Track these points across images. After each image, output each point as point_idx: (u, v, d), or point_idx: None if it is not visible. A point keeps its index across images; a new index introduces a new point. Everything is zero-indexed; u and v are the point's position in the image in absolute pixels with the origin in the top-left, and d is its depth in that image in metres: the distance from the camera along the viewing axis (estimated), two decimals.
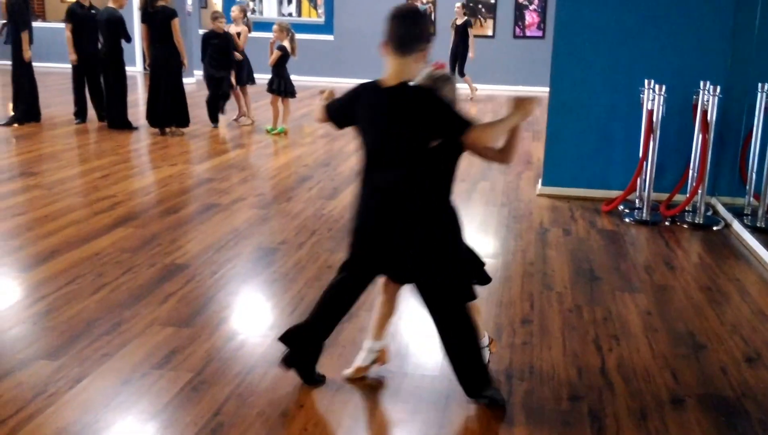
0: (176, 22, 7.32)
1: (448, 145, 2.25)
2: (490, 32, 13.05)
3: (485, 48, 12.98)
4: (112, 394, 2.41)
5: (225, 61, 7.86)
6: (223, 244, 4.05)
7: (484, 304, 3.29)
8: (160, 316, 3.04)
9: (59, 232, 4.17)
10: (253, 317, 3.21)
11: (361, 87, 2.29)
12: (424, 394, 2.50)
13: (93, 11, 7.86)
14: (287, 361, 2.49)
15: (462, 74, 11.26)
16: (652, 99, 4.72)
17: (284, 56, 7.52)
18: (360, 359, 2.58)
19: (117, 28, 7.64)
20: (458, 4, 11.34)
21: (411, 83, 2.22)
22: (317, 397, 2.46)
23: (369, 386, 2.54)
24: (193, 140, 7.39)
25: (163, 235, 4.21)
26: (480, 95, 11.82)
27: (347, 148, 7.03)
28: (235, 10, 8.57)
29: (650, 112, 4.75)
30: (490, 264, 3.86)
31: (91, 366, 2.59)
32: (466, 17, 11.26)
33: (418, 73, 2.25)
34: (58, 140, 7.14)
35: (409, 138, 2.19)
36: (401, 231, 2.28)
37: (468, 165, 6.43)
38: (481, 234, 4.47)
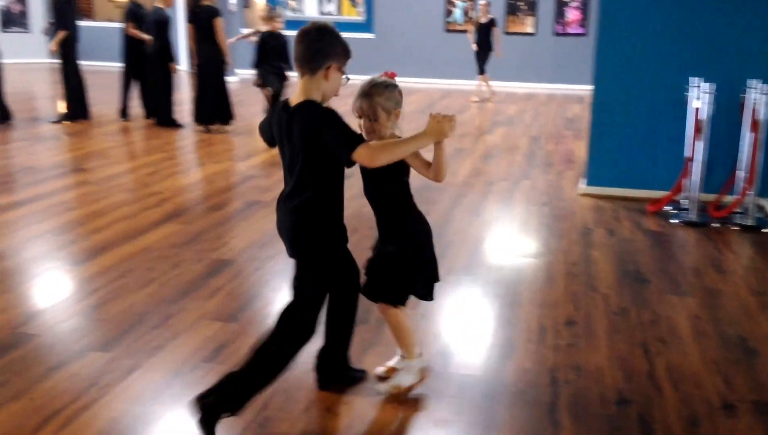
0: (219, 22, 7.43)
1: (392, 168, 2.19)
2: (530, 30, 12.89)
3: (525, 46, 12.85)
4: (163, 386, 2.47)
5: (282, 65, 7.46)
6: (267, 240, 4.11)
7: (526, 305, 3.27)
8: (207, 311, 3.11)
9: (109, 228, 4.30)
10: None
11: (280, 103, 2.24)
12: (468, 394, 2.50)
13: (143, 11, 8.07)
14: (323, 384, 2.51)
15: (482, 72, 10.98)
16: (699, 97, 4.60)
17: None
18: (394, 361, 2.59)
19: (164, 27, 7.82)
20: (482, 2, 11.08)
21: (318, 101, 2.14)
22: (363, 394, 2.48)
23: (414, 385, 2.55)
24: (238, 138, 7.51)
25: (209, 231, 4.29)
26: (518, 94, 11.71)
27: None
28: (263, 11, 8.61)
29: (697, 111, 4.64)
30: (532, 263, 3.85)
31: (143, 358, 2.66)
32: (491, 15, 11.01)
33: (333, 90, 2.19)
34: (107, 137, 7.34)
35: (304, 157, 2.11)
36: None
37: (509, 164, 6.39)
38: (522, 233, 4.43)
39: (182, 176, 5.86)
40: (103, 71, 12.54)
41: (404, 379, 2.45)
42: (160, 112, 7.94)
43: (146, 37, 7.81)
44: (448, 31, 13.14)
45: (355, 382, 2.53)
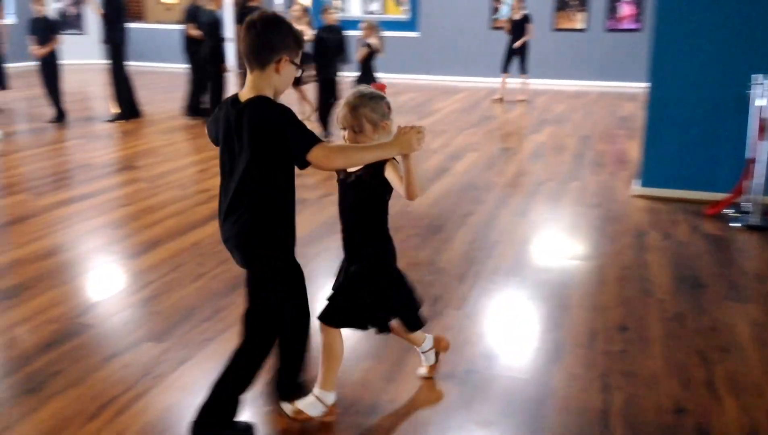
0: None
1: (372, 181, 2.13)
2: (581, 25, 12.63)
3: (575, 42, 12.59)
4: (214, 378, 2.51)
5: (338, 58, 7.19)
6: (312, 238, 4.13)
7: (575, 308, 3.20)
8: None
9: (161, 223, 4.40)
10: None
11: (228, 99, 2.08)
12: (513, 396, 2.45)
13: (201, 12, 8.25)
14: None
15: (506, 70, 10.45)
16: (763, 95, 4.41)
17: (371, 53, 7.56)
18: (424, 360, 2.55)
19: (216, 28, 7.98)
20: None
21: (270, 96, 2.01)
22: (408, 393, 2.46)
23: (458, 386, 2.52)
24: None
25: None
26: (567, 92, 11.47)
27: (432, 145, 7.01)
28: (297, 10, 8.63)
29: (760, 109, 4.44)
30: (582, 266, 3.75)
31: (194, 349, 2.71)
32: (523, 11, 10.46)
33: (286, 85, 2.05)
34: (158, 136, 7.53)
35: (252, 158, 1.96)
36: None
37: (557, 164, 6.26)
38: (571, 235, 4.33)
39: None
40: (153, 72, 12.89)
41: (311, 409, 2.25)
42: (210, 112, 8.08)
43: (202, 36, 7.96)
44: (495, 28, 12.98)
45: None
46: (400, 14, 14.30)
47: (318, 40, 7.30)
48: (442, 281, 3.50)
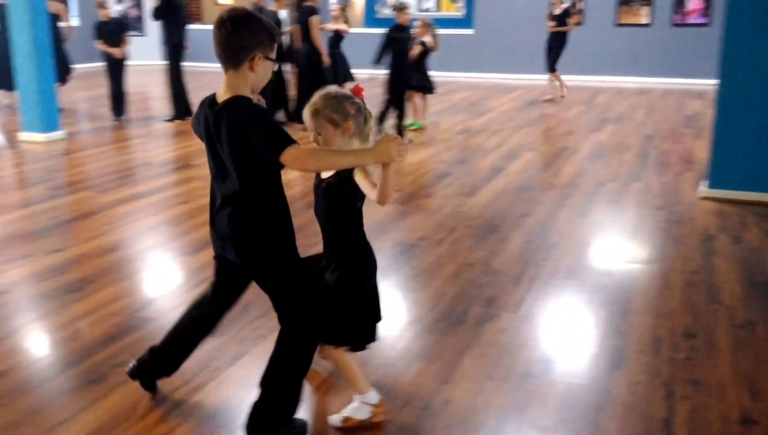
0: (314, 20, 7.53)
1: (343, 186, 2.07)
2: (645, 20, 12.21)
3: (639, 38, 12.20)
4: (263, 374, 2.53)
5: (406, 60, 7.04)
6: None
7: (638, 313, 3.07)
8: None
9: None
10: (394, 311, 3.22)
11: (205, 99, 2.07)
12: (571, 402, 2.37)
13: (265, 13, 8.42)
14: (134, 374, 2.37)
15: (552, 70, 10.13)
16: None
17: (425, 51, 7.51)
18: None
19: (279, 30, 8.12)
20: None
21: (247, 96, 1.99)
22: (462, 395, 2.42)
23: (513, 390, 2.46)
24: None
25: (308, 226, 4.36)
26: (629, 89, 11.11)
27: (486, 145, 6.90)
28: (336, 8, 8.61)
29: None
30: (645, 270, 3.61)
31: (249, 346, 2.75)
32: (564, 5, 10.10)
33: (262, 82, 2.02)
34: None
35: (235, 159, 1.95)
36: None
37: (619, 164, 6.06)
38: (634, 238, 4.17)
39: (282, 172, 6.02)
40: (212, 72, 13.20)
41: (358, 413, 2.24)
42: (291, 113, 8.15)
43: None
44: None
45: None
46: (455, 11, 14.20)
47: (389, 40, 7.11)
48: (496, 283, 3.43)
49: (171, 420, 2.27)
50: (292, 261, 2.12)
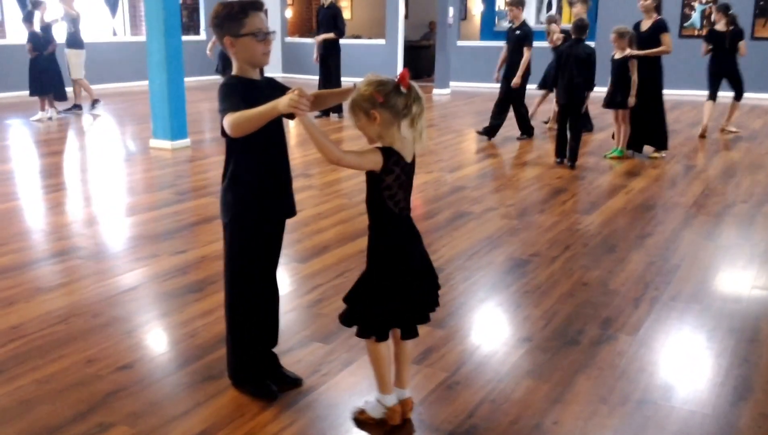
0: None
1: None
2: None
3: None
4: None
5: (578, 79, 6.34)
6: (475, 251, 4.07)
7: (767, 344, 2.81)
8: None
9: (330, 229, 4.61)
10: (504, 327, 3.16)
11: None
12: (692, 431, 2.23)
13: None
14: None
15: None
16: None
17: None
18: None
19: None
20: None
21: (235, 73, 2.25)
22: (573, 416, 2.31)
23: (630, 415, 2.32)
24: (446, 150, 7.64)
25: None
26: (765, 105, 10.23)
27: (601, 164, 6.62)
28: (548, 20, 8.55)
29: None
30: None
31: (358, 353, 2.78)
32: (723, 20, 8.05)
33: (247, 59, 2.22)
34: None
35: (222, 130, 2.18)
36: None
37: (751, 184, 5.61)
38: (766, 263, 3.83)
39: None
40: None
41: (372, 411, 2.27)
42: None
43: None
44: (683, 36, 12.00)
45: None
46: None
47: (558, 56, 6.68)
48: (614, 304, 3.26)
49: (283, 419, 2.34)
50: (246, 221, 2.37)
